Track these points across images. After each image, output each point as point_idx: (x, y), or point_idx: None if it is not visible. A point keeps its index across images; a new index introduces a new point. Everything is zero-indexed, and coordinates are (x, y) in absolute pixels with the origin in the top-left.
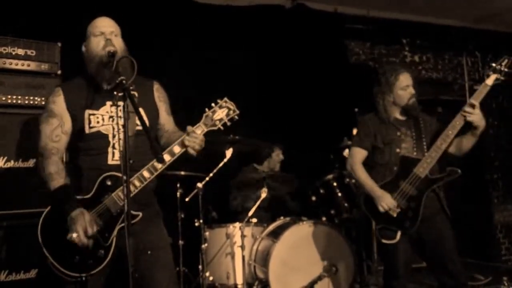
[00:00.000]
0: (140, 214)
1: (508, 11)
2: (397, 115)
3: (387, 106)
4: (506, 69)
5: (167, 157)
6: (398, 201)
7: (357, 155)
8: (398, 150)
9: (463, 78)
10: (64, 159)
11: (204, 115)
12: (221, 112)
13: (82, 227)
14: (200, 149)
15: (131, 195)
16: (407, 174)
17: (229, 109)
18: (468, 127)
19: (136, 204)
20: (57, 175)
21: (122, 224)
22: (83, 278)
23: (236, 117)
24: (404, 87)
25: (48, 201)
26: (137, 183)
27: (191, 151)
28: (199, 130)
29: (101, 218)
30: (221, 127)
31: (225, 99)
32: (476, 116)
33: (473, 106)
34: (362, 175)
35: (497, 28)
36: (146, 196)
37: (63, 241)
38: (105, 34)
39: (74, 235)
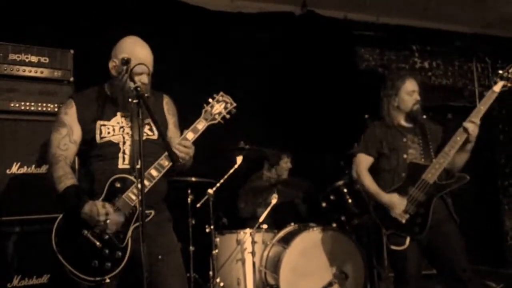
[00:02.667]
0: (153, 212)
1: None
2: (402, 121)
3: (391, 110)
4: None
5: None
6: (407, 207)
7: (362, 162)
8: (405, 156)
9: (473, 84)
10: (77, 167)
11: (203, 110)
12: (219, 106)
13: (98, 213)
14: (185, 157)
15: None
16: (415, 180)
17: (226, 102)
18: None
19: (146, 206)
20: (64, 177)
21: (136, 224)
22: (102, 282)
23: (234, 110)
24: (409, 92)
25: (61, 207)
26: (146, 182)
27: (177, 162)
28: (201, 125)
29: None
30: (221, 121)
31: (221, 93)
32: (475, 131)
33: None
34: (368, 181)
35: (507, 34)
36: (156, 201)
37: (80, 247)
38: (143, 76)
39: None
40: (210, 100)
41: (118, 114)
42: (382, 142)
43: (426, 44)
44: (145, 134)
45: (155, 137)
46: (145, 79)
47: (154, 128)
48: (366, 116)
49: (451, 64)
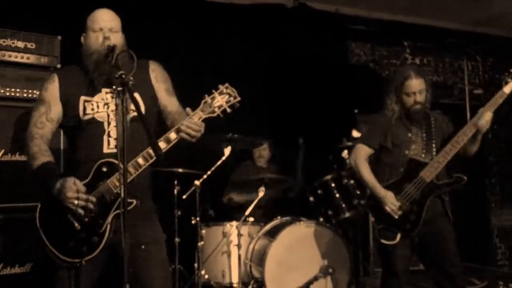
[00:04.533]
0: (134, 201)
1: (509, 15)
2: (403, 116)
3: (392, 104)
4: None
5: (162, 145)
6: (401, 203)
7: (362, 152)
8: (407, 151)
9: (463, 82)
10: (62, 147)
11: (203, 101)
12: (221, 99)
13: (73, 194)
14: (197, 136)
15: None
16: (413, 177)
17: (230, 95)
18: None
19: (130, 195)
20: (39, 154)
21: (116, 211)
22: (77, 264)
23: (238, 104)
24: (409, 92)
25: (37, 184)
26: (132, 170)
27: (188, 138)
28: (197, 117)
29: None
30: (221, 114)
31: (226, 84)
32: (487, 126)
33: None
34: (366, 172)
35: (498, 32)
36: (141, 191)
37: (59, 226)
38: (104, 31)
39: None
40: (213, 90)
41: (103, 90)
42: (386, 135)
43: (417, 41)
44: (131, 111)
45: (143, 110)
46: (114, 35)
47: (142, 104)
48: (356, 110)
49: (441, 61)
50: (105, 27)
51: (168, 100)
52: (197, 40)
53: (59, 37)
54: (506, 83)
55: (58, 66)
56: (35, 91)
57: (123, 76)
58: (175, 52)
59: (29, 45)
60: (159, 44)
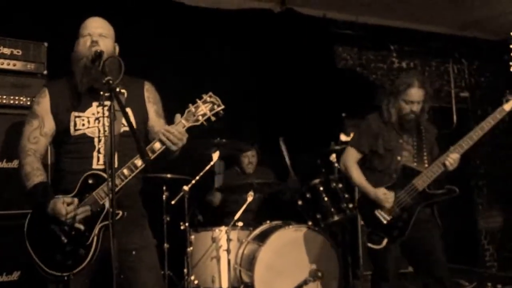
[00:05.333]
0: (121, 212)
1: (494, 19)
2: (397, 121)
3: (390, 109)
4: None
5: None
6: (393, 207)
7: (352, 155)
8: (399, 158)
9: (449, 85)
10: (49, 162)
11: (186, 110)
12: (205, 107)
13: (64, 213)
14: (181, 144)
15: None
16: (405, 183)
17: (214, 103)
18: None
19: (117, 205)
20: (32, 174)
21: (103, 223)
22: (65, 278)
23: (222, 112)
24: (408, 101)
25: (31, 203)
26: (117, 181)
27: (171, 147)
28: (181, 126)
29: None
30: (205, 123)
31: (210, 93)
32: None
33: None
34: (356, 175)
35: (483, 36)
36: (129, 199)
37: (46, 240)
38: (92, 36)
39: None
40: (197, 99)
41: (94, 104)
42: (377, 139)
43: (404, 44)
44: (122, 125)
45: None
46: (103, 41)
47: (132, 118)
48: (343, 114)
49: (428, 64)
50: (94, 32)
51: (157, 121)
52: (184, 46)
53: (46, 44)
54: (507, 101)
55: (45, 72)
56: (21, 98)
57: (110, 81)
58: (161, 57)
59: (15, 52)
60: (146, 50)
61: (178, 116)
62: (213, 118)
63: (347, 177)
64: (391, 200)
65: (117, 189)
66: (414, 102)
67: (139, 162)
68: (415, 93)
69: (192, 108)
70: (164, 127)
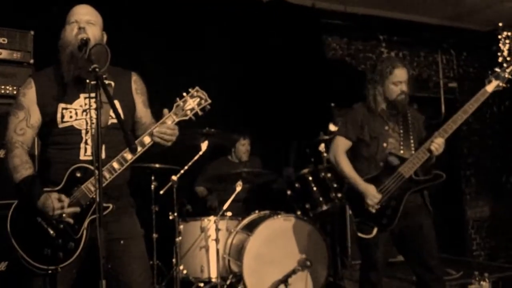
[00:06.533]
0: (111, 206)
1: (483, 9)
2: (385, 108)
3: (377, 96)
4: (509, 76)
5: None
6: (380, 197)
7: (340, 145)
8: (385, 144)
9: (437, 75)
10: (36, 152)
11: (175, 105)
12: (192, 102)
13: (53, 208)
14: (172, 139)
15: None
16: (392, 171)
17: (201, 98)
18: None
19: (107, 197)
20: (21, 167)
21: (92, 216)
22: (54, 271)
23: (208, 106)
24: (396, 82)
25: (18, 196)
26: (107, 175)
27: (162, 142)
28: (170, 121)
29: None
30: (193, 117)
31: (197, 88)
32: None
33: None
34: (346, 166)
35: (472, 26)
36: (118, 190)
37: (32, 234)
38: (79, 22)
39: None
40: (184, 94)
41: (82, 96)
42: (363, 127)
43: (393, 34)
44: (110, 118)
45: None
46: (91, 28)
47: (119, 109)
48: (332, 104)
49: (416, 54)
50: (81, 19)
51: (144, 112)
52: (172, 37)
53: (32, 32)
54: (489, 82)
55: (31, 61)
56: (7, 87)
57: (97, 69)
58: (147, 48)
59: (1, 40)
60: (131, 41)
61: (166, 111)
62: (200, 113)
63: (336, 168)
64: (376, 201)
65: (106, 182)
66: (402, 81)
67: (128, 156)
68: (401, 73)
69: (180, 102)
70: (155, 128)
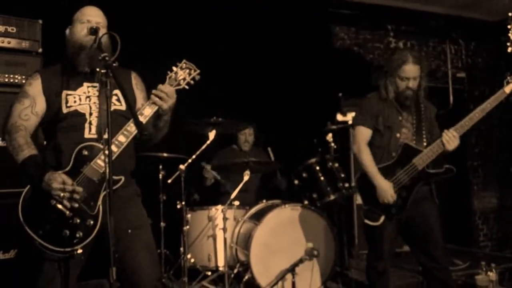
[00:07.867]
0: (122, 178)
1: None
2: (394, 98)
3: (388, 85)
4: None
5: (140, 119)
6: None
7: (362, 135)
8: (398, 135)
9: (446, 65)
10: (44, 142)
11: (167, 77)
12: (183, 73)
13: (58, 185)
14: (171, 102)
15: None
16: (405, 163)
17: (190, 69)
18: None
19: (115, 173)
20: (26, 146)
21: (106, 191)
22: (74, 253)
23: (198, 76)
24: (403, 77)
25: (22, 177)
26: (114, 149)
27: (162, 105)
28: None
29: (83, 188)
30: (186, 87)
31: (184, 60)
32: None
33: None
34: (367, 159)
35: (481, 16)
36: (125, 168)
37: (48, 218)
38: (91, 23)
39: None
40: (174, 67)
41: (85, 84)
42: (378, 117)
43: (401, 24)
44: (113, 104)
45: (123, 108)
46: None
47: (122, 99)
48: (340, 94)
49: (425, 44)
50: (93, 21)
51: None
52: (176, 22)
53: (40, 21)
54: (508, 83)
55: (40, 50)
56: (16, 76)
57: (106, 58)
58: (151, 34)
59: (9, 29)
60: (134, 27)
61: (160, 85)
62: (191, 82)
63: (358, 159)
64: (391, 200)
65: (114, 156)
66: (410, 78)
67: (132, 128)
68: (410, 69)
69: (172, 74)
70: (157, 88)
